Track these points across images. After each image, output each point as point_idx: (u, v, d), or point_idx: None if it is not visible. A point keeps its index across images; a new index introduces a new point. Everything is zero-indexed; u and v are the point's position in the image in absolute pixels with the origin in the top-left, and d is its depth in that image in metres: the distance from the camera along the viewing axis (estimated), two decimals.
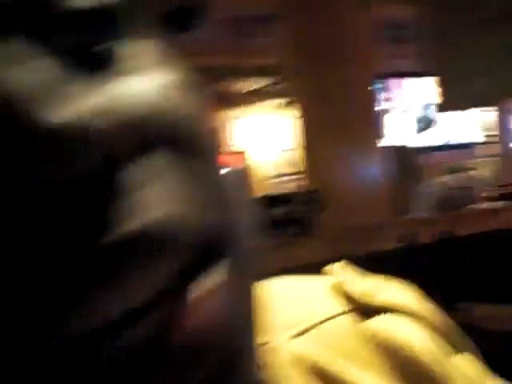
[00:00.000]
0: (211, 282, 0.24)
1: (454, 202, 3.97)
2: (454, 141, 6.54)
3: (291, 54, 3.48)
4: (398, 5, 4.67)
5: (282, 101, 7.08)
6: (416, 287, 0.43)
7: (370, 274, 0.44)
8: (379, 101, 5.33)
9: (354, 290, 0.41)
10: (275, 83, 6.66)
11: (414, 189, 3.96)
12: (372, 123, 2.82)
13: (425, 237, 3.44)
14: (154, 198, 0.23)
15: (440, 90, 4.19)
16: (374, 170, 2.67)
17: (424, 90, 6.20)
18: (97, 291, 0.22)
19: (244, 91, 7.22)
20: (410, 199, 3.79)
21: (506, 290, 3.50)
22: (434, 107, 5.96)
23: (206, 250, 0.24)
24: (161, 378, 0.23)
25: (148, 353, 0.23)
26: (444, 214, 3.88)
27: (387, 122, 5.93)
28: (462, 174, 5.35)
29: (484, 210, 4.25)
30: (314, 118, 3.35)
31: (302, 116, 3.51)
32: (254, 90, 7.17)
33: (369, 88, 2.84)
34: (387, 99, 6.06)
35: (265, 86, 7.03)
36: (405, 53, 5.90)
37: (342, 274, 0.43)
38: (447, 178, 4.42)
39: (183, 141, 0.25)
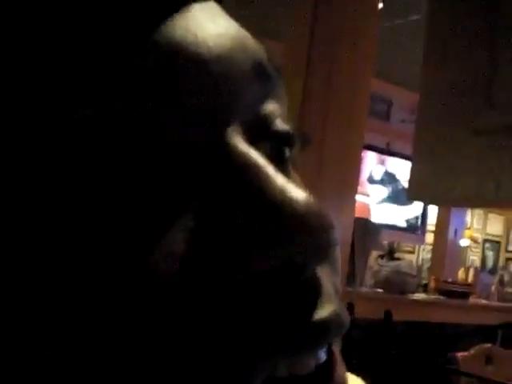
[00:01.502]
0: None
1: (401, 285, 4.03)
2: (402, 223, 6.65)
3: None
4: None
5: None
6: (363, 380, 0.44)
7: None
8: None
9: None
10: None
11: (369, 264, 4.01)
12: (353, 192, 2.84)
13: (363, 312, 3.46)
14: (332, 292, 0.30)
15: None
16: (343, 237, 2.68)
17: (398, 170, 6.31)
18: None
19: None
20: (361, 273, 3.83)
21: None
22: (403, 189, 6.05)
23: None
24: None
25: None
26: (389, 295, 3.93)
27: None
28: (409, 259, 5.45)
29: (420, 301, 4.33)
30: None
31: None
32: None
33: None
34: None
35: None
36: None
37: None
38: (400, 262, 4.50)
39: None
